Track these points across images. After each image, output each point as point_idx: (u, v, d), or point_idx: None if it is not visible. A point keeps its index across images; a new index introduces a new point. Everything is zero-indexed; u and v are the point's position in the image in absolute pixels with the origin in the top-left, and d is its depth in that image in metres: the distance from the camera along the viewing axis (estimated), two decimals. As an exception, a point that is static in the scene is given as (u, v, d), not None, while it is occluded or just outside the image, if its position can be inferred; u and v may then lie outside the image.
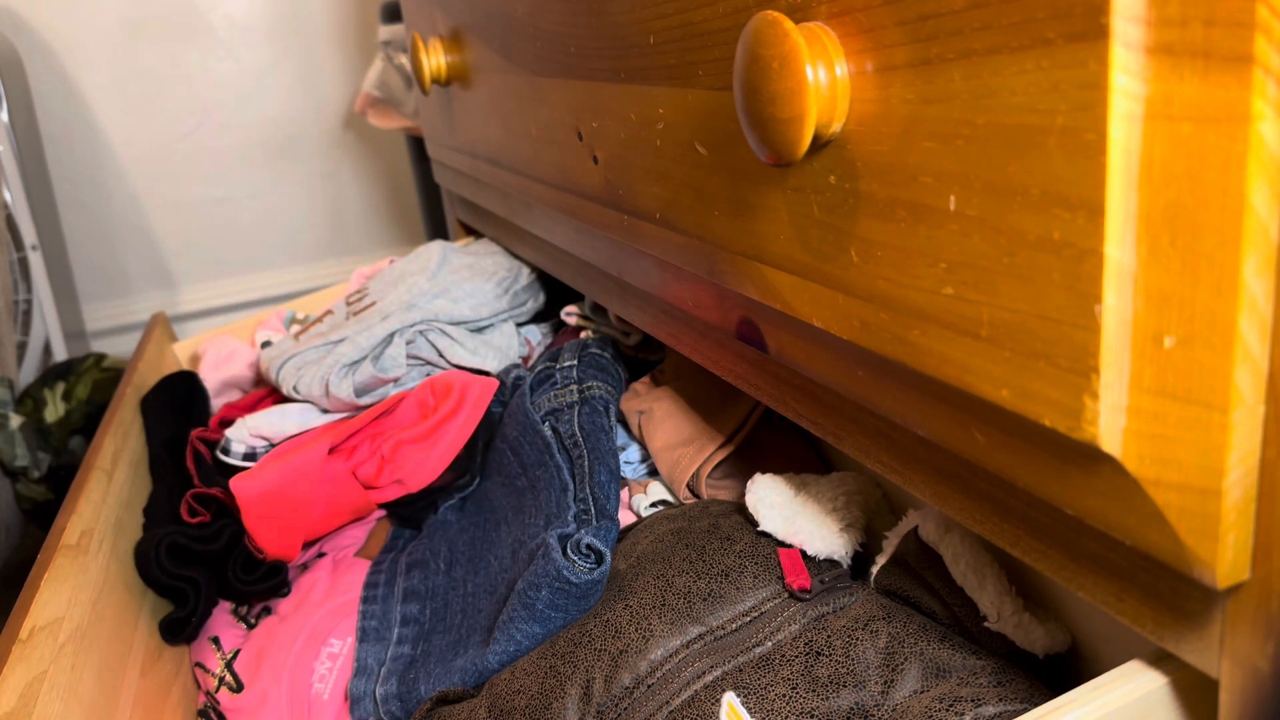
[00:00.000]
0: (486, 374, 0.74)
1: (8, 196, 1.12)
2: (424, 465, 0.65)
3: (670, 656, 0.43)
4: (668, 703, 0.41)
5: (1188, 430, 0.22)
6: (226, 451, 0.70)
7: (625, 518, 0.67)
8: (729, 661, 0.43)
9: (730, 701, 0.40)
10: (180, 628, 0.61)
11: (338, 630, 0.59)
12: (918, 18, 0.26)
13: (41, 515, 0.96)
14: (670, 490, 0.65)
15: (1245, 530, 0.23)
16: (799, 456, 0.66)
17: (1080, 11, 0.21)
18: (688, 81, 0.39)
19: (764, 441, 0.65)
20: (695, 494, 0.63)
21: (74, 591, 0.52)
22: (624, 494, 0.68)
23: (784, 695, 0.40)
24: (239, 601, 0.65)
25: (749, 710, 0.39)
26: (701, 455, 0.63)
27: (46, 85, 1.44)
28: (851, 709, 0.38)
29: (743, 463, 0.64)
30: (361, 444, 0.66)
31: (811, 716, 0.38)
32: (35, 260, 1.16)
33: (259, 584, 0.62)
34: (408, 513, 0.68)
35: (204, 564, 0.63)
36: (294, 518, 0.63)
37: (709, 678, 0.42)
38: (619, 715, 0.42)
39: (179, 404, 0.79)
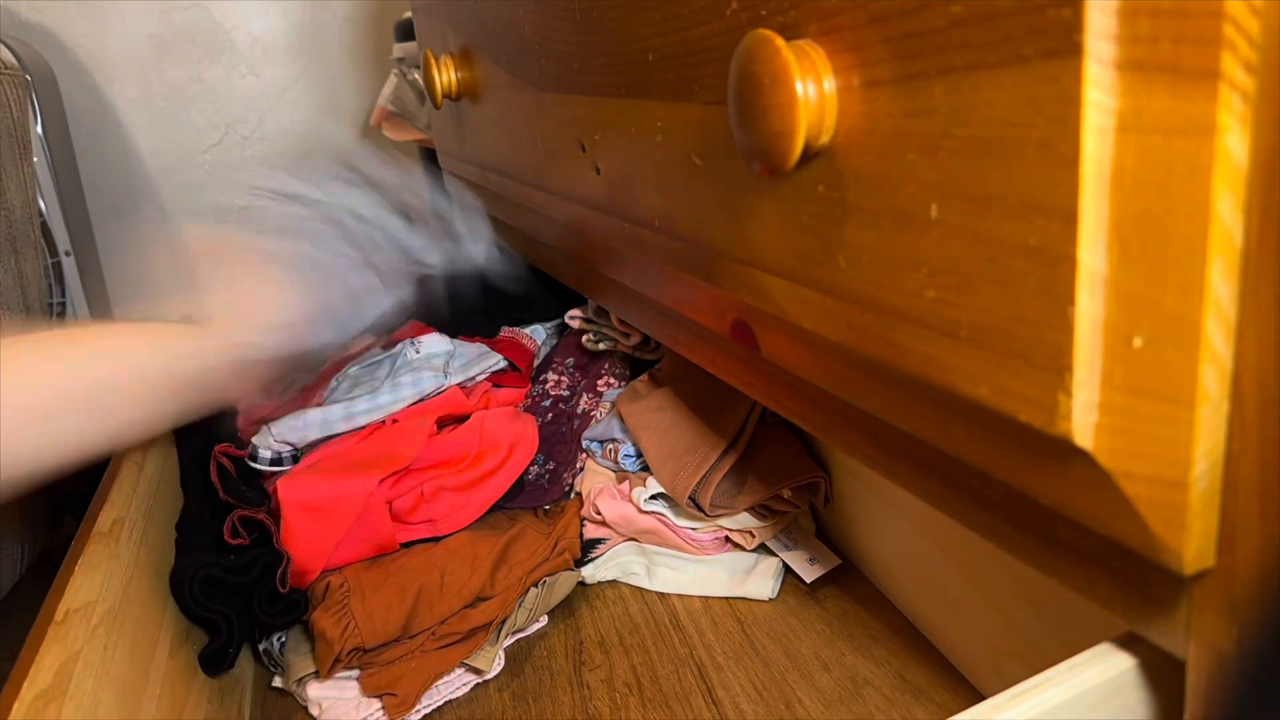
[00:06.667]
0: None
1: (42, 205, 1.12)
2: (458, 513, 0.66)
3: None
4: None
5: (1156, 425, 0.22)
6: (254, 459, 0.69)
7: (624, 510, 0.67)
8: None
9: None
10: (219, 660, 0.60)
11: None
12: (902, 35, 0.26)
13: (75, 504, 0.96)
14: (668, 484, 0.65)
15: (1210, 520, 0.23)
16: (788, 448, 0.66)
17: (1055, 30, 0.21)
18: (684, 96, 0.39)
19: (756, 436, 0.65)
20: (697, 504, 0.62)
21: (106, 576, 0.52)
22: (624, 487, 0.68)
23: None
24: (262, 634, 0.65)
25: None
26: (705, 465, 0.62)
27: (79, 100, 1.43)
28: None
29: (740, 461, 0.64)
30: (406, 476, 0.66)
31: None
32: (69, 265, 1.15)
33: (280, 617, 0.62)
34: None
35: (236, 594, 0.62)
36: (325, 534, 0.62)
37: None
38: None
39: (206, 417, 0.77)
